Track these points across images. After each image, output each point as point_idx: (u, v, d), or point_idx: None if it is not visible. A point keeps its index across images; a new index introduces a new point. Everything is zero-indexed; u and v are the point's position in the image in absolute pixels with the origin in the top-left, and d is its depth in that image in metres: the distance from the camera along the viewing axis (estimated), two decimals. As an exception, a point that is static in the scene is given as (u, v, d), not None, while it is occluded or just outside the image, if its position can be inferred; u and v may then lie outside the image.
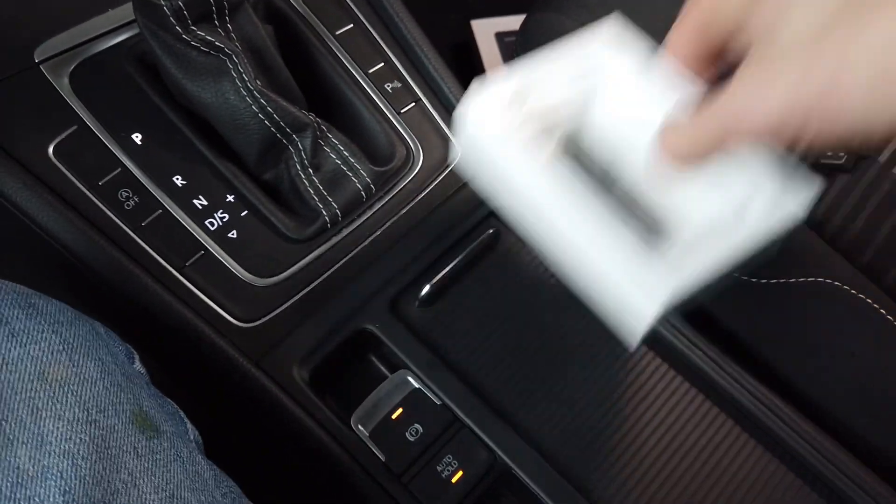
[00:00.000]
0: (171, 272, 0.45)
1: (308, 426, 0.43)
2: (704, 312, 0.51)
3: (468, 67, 1.06)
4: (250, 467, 0.45)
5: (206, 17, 0.46)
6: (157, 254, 0.45)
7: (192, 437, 0.34)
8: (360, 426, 0.44)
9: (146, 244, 0.45)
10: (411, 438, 0.44)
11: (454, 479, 0.43)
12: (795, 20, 0.28)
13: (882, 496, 0.44)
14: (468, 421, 0.45)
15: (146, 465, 0.29)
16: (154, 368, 0.40)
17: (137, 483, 0.29)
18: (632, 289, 0.30)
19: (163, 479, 0.30)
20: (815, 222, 0.54)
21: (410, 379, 0.46)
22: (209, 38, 0.45)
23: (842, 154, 0.56)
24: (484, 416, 0.45)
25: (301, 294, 0.47)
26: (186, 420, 0.35)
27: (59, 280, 0.50)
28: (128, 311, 0.46)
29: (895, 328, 0.45)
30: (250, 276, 0.47)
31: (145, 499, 0.29)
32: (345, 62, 0.54)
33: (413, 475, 0.43)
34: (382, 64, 0.55)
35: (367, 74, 0.54)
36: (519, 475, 0.43)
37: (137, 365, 0.36)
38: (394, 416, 0.44)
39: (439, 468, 0.43)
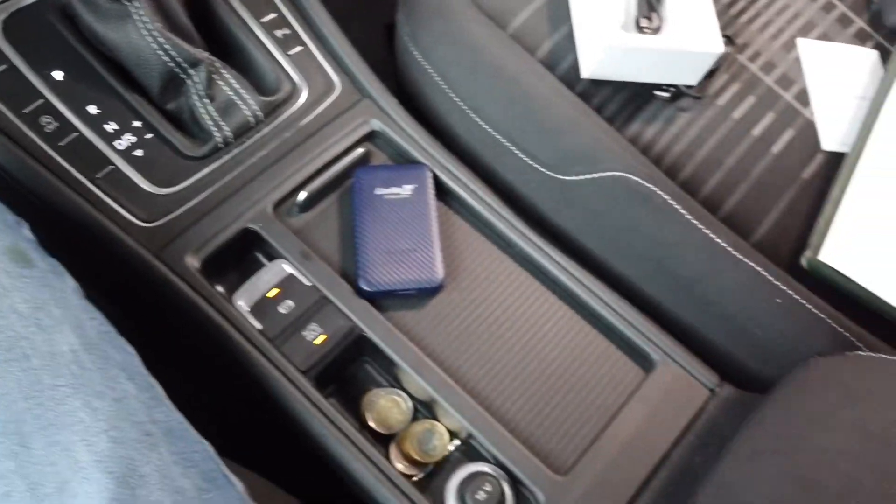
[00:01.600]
0: (83, 182, 0.54)
1: (197, 303, 0.52)
2: (536, 211, 0.61)
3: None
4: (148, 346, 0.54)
5: (110, -31, 0.55)
6: (73, 167, 0.55)
7: (68, 283, 0.42)
8: (240, 303, 0.53)
9: (63, 160, 0.55)
10: (284, 312, 0.53)
11: (317, 342, 0.52)
12: None
13: (668, 346, 0.54)
14: (332, 297, 0.54)
15: (17, 283, 0.38)
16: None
17: (8, 294, 0.37)
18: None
19: (31, 296, 0.38)
20: (642, 145, 0.64)
21: (285, 266, 0.55)
22: (113, -14, 0.55)
23: (669, 87, 0.66)
24: (345, 294, 0.54)
25: (196, 200, 0.56)
26: (67, 273, 0.43)
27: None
28: (49, 219, 0.55)
29: (672, 208, 0.55)
30: (153, 186, 0.56)
31: (15, 306, 0.37)
32: (240, 12, 0.63)
33: (284, 339, 0.52)
34: (275, 14, 0.64)
35: (260, 23, 0.63)
36: (372, 338, 0.52)
37: (26, 231, 0.43)
38: (269, 295, 0.53)
39: (304, 333, 0.52)
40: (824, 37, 0.75)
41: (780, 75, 0.70)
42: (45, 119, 0.55)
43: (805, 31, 0.74)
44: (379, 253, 0.55)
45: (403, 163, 0.62)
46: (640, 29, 0.64)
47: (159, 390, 0.41)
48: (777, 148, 0.66)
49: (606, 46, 0.60)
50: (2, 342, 0.36)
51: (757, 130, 0.66)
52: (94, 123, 0.56)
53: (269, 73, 0.62)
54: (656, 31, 0.63)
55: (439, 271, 0.55)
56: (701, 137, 0.65)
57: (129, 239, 0.53)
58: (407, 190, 0.58)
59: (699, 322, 0.56)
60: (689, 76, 0.64)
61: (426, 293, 0.55)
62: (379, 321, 0.53)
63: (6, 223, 0.40)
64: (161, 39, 0.56)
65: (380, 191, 0.58)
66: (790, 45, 0.73)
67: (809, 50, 0.73)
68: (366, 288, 0.54)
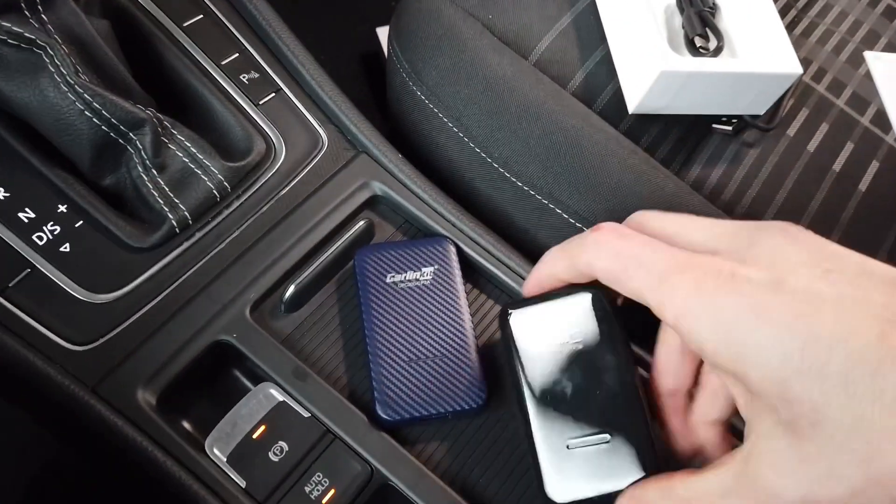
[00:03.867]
0: (-10, 295, 0.40)
1: (154, 456, 0.38)
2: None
3: (378, 73, 1.05)
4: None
5: (13, 6, 0.41)
6: (-26, 276, 0.40)
7: None
8: (215, 451, 0.39)
9: (-40, 266, 0.40)
10: (275, 458, 0.39)
11: (325, 500, 0.38)
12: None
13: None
14: (340, 432, 0.40)
15: None
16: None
17: None
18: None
19: None
20: (707, 192, 0.52)
21: (274, 392, 0.40)
22: (17, 29, 0.40)
23: (729, 118, 0.54)
24: (358, 426, 0.40)
25: (147, 308, 0.42)
26: None
27: None
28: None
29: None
30: (86, 292, 0.41)
31: None
32: (194, 55, 0.49)
33: (278, 500, 0.38)
34: (237, 55, 0.51)
35: (219, 66, 0.50)
36: (398, 487, 0.39)
37: None
38: (255, 436, 0.39)
39: (307, 489, 0.38)
40: (891, 47, 0.64)
41: (850, 95, 0.59)
42: (-67, 211, 0.41)
43: (869, 43, 0.63)
44: (399, 365, 0.41)
45: (417, 235, 0.48)
46: (696, 50, 0.51)
47: None
48: (864, 185, 0.54)
49: (660, 73, 0.48)
50: None
51: (838, 165, 0.55)
52: (4, 212, 0.42)
53: (236, 129, 0.48)
54: (716, 52, 0.51)
55: (481, 386, 0.41)
56: (776, 178, 0.53)
57: (55, 371, 0.39)
58: (427, 273, 0.45)
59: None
60: (758, 104, 0.52)
61: (466, 414, 0.41)
62: (406, 462, 0.39)
63: None
64: (87, 96, 0.41)
65: (392, 277, 0.44)
66: (857, 60, 0.61)
67: (880, 64, 0.61)
68: (385, 416, 0.40)
